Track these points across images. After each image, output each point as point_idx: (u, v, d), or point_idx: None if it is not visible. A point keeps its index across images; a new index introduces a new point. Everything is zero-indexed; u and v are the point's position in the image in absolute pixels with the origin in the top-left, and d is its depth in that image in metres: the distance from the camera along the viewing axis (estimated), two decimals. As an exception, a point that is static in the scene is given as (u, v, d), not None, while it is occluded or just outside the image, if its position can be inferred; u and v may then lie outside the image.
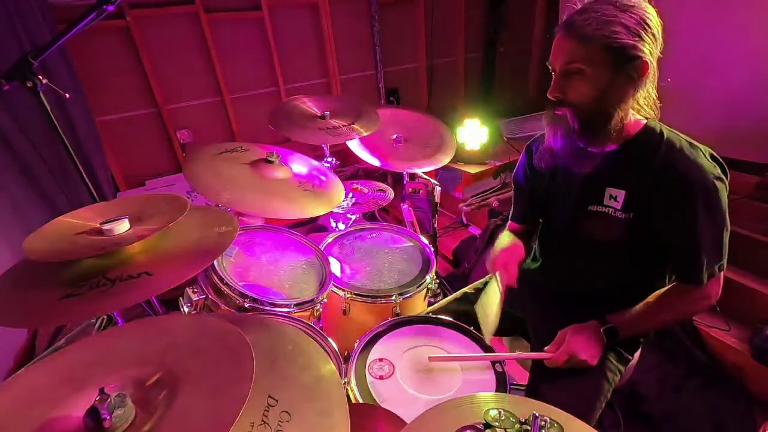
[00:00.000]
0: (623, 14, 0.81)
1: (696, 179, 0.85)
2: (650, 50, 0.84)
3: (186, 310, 1.19)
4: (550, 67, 0.92)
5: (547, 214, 1.17)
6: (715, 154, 0.90)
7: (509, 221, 1.30)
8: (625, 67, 0.83)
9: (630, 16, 0.81)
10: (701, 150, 0.89)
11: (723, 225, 0.89)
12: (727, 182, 0.88)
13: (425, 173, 2.01)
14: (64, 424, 0.52)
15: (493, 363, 1.04)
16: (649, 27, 0.82)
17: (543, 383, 1.03)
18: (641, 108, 0.94)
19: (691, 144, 0.90)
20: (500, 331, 1.25)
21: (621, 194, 0.94)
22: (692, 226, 0.88)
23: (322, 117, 1.75)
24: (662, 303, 0.99)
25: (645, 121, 0.95)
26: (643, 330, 1.05)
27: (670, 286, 1.01)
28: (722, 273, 0.94)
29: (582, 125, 0.91)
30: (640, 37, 0.81)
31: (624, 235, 0.97)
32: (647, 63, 0.83)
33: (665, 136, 0.91)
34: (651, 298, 1.00)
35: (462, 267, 2.42)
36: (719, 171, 0.88)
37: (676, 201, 0.88)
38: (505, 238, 1.21)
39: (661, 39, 0.86)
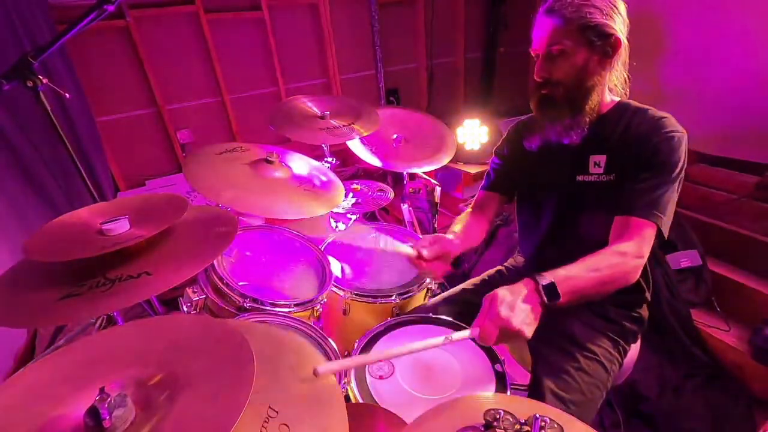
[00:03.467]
0: None
1: (661, 126, 0.94)
2: (620, 29, 0.93)
3: (186, 310, 1.19)
4: (532, 53, 1.02)
5: (538, 200, 1.18)
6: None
7: (478, 191, 1.33)
8: (600, 44, 0.93)
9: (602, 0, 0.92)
10: (669, 115, 0.98)
11: (671, 177, 0.93)
12: (686, 141, 0.95)
13: (425, 173, 2.01)
14: (65, 424, 0.52)
15: (493, 363, 1.03)
16: (617, 8, 0.93)
17: (544, 377, 1.03)
18: (615, 87, 1.04)
19: (662, 112, 0.99)
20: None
21: (602, 159, 1.01)
22: (645, 164, 0.94)
23: (322, 117, 1.75)
24: (597, 254, 0.91)
25: (618, 99, 1.05)
26: (581, 288, 0.88)
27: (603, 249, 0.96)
28: (653, 232, 0.92)
29: (567, 101, 0.99)
30: (611, 16, 0.91)
31: (609, 200, 1.00)
32: (620, 40, 0.92)
33: (639, 106, 1.01)
34: (584, 258, 0.92)
35: (462, 267, 2.42)
36: (684, 130, 0.95)
37: (639, 143, 0.95)
38: (456, 225, 1.24)
39: (626, 20, 0.96)
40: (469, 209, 1.34)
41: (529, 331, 0.81)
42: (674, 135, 0.93)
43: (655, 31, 2.19)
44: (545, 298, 0.83)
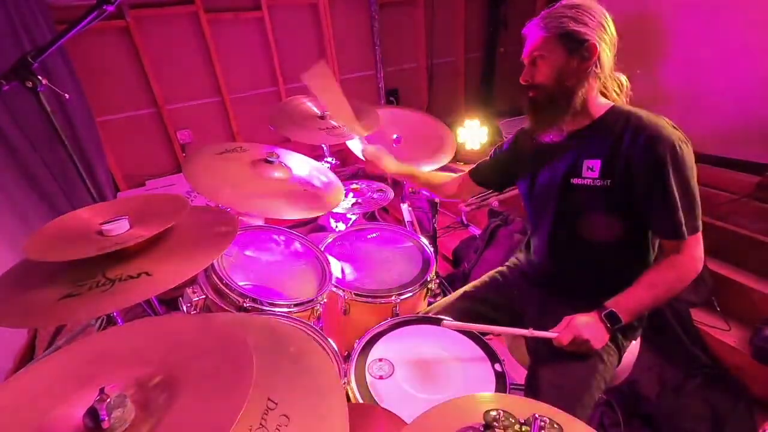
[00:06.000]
0: (570, 10, 0.99)
1: (662, 137, 0.96)
2: (599, 36, 0.98)
3: (186, 310, 1.19)
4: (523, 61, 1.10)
5: (540, 202, 1.21)
6: (674, 124, 1.01)
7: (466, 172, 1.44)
8: (577, 50, 0.99)
9: (576, 11, 0.99)
10: (664, 119, 1.02)
11: (691, 182, 0.98)
12: (690, 145, 0.99)
13: (425, 173, 2.00)
14: (65, 424, 0.52)
15: (493, 363, 1.04)
16: (594, 17, 0.98)
17: (540, 369, 1.07)
18: (609, 93, 1.09)
19: (655, 115, 1.02)
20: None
21: (597, 163, 1.05)
22: (663, 178, 0.96)
23: (322, 117, 1.75)
24: (654, 277, 1.03)
25: (613, 104, 1.08)
26: (643, 308, 1.06)
27: (659, 262, 1.06)
28: (700, 234, 1.01)
29: (549, 102, 1.06)
30: (585, 24, 0.98)
31: (605, 203, 1.05)
32: (594, 45, 0.98)
33: (632, 111, 1.04)
34: (641, 276, 1.04)
35: (462, 267, 2.42)
36: (682, 134, 0.99)
37: (647, 161, 0.98)
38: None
39: (612, 31, 1.01)
40: (456, 175, 1.48)
41: (597, 344, 1.00)
42: (677, 144, 0.95)
43: (655, 32, 2.19)
44: (609, 324, 1.01)
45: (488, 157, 1.39)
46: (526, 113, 1.14)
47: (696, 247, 1.01)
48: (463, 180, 1.44)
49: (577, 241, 1.12)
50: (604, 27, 0.99)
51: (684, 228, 0.98)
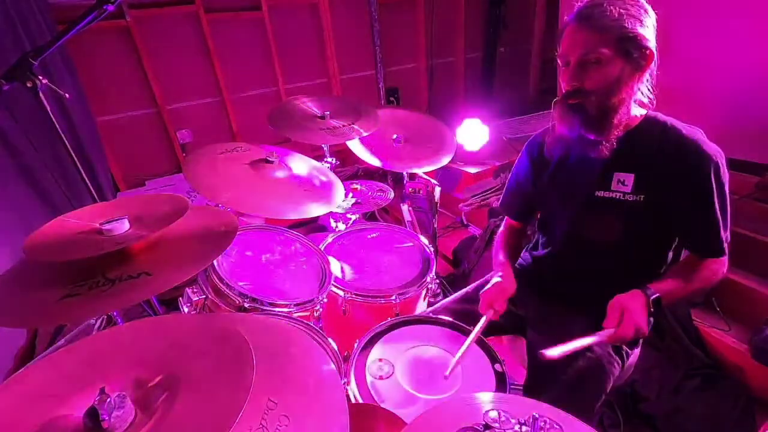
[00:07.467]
0: (632, 7, 0.88)
1: (706, 155, 0.91)
2: (652, 40, 0.90)
3: (186, 310, 1.19)
4: (561, 60, 0.95)
5: (552, 209, 1.18)
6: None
7: (506, 218, 1.35)
8: (635, 56, 0.89)
9: (638, 9, 0.88)
10: (699, 131, 0.98)
11: (728, 198, 0.96)
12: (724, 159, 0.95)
13: (425, 173, 2.01)
14: (65, 424, 0.52)
15: (493, 363, 1.04)
16: (650, 17, 0.90)
17: (542, 379, 1.04)
18: (641, 99, 1.00)
19: (690, 127, 0.98)
20: (501, 330, 1.27)
21: (630, 178, 0.98)
22: (708, 198, 0.93)
23: (322, 117, 1.75)
24: (692, 273, 0.99)
25: (646, 112, 1.01)
26: (676, 298, 1.02)
27: (696, 261, 1.02)
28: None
29: (598, 112, 0.94)
30: (648, 27, 0.89)
31: (631, 218, 1.00)
32: (653, 53, 0.89)
33: (668, 122, 0.98)
34: (676, 271, 1.02)
35: (462, 267, 2.42)
36: (717, 147, 0.95)
37: (691, 176, 0.93)
38: (499, 255, 1.26)
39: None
40: (502, 227, 1.35)
41: (646, 329, 0.92)
42: (719, 161, 0.92)
43: (654, 31, 2.19)
44: (651, 309, 0.93)
45: (515, 194, 1.28)
46: (561, 122, 1.00)
47: (726, 255, 1.00)
48: (514, 225, 1.33)
49: (589, 252, 1.09)
50: (654, 29, 0.90)
51: (724, 245, 0.96)
